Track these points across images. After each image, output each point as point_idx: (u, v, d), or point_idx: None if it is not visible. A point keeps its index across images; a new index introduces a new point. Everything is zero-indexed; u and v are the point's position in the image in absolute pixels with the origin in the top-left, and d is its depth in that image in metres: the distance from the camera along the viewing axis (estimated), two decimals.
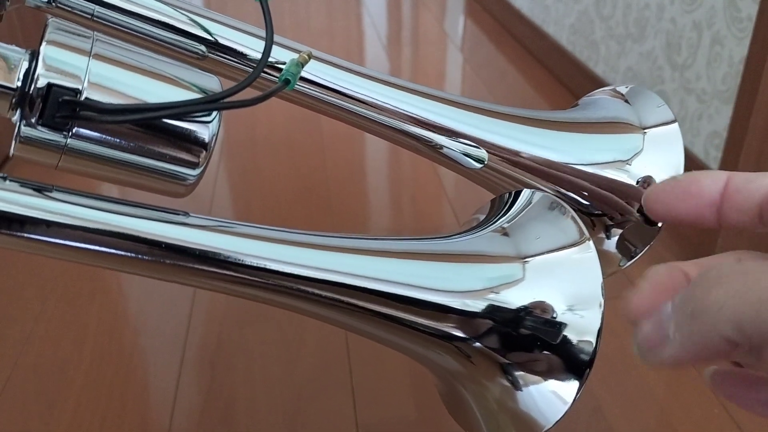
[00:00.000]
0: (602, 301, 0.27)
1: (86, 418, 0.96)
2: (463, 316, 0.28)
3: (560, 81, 2.04)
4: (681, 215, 0.25)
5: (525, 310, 0.27)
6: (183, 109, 0.25)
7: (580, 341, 0.26)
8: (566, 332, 0.27)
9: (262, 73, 0.33)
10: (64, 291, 1.21)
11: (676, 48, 1.46)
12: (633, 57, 1.64)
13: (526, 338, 0.27)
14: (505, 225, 0.30)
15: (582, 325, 0.27)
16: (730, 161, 1.21)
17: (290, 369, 1.05)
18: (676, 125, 0.37)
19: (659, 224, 0.36)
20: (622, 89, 0.39)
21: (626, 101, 0.38)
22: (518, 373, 0.27)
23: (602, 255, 0.29)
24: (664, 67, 1.50)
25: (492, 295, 0.28)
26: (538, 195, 0.31)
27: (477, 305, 0.27)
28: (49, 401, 0.98)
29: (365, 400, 0.99)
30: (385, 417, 0.97)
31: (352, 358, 1.06)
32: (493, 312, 0.27)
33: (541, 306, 0.27)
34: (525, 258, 0.28)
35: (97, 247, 0.25)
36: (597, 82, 1.80)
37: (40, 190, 0.25)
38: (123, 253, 0.25)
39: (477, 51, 2.44)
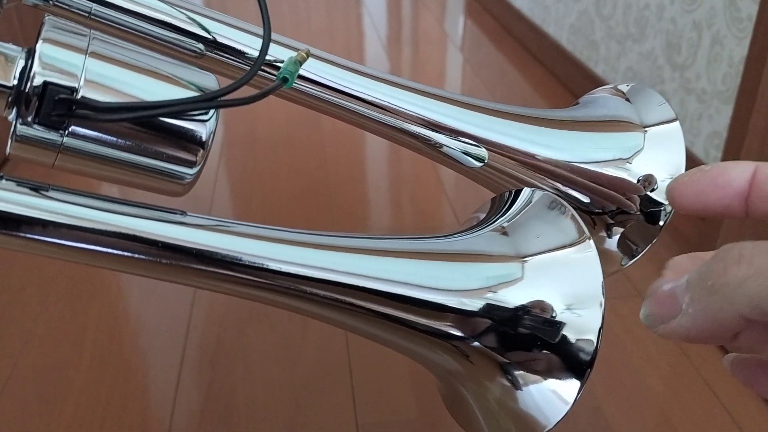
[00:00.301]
0: (603, 300, 0.26)
1: (86, 418, 0.96)
2: (460, 315, 0.27)
3: (560, 81, 2.04)
4: (710, 206, 0.25)
5: (523, 309, 0.27)
6: (179, 108, 0.25)
7: (580, 340, 0.26)
8: (566, 331, 0.26)
9: (261, 72, 0.33)
10: (64, 291, 1.21)
11: (676, 48, 1.46)
12: (633, 57, 1.64)
13: (525, 337, 0.27)
14: (505, 224, 0.30)
15: (582, 324, 0.26)
16: (730, 161, 1.21)
17: (290, 369, 1.05)
18: (677, 124, 0.37)
19: (661, 223, 0.36)
20: (623, 87, 0.39)
21: (627, 99, 0.38)
22: (518, 373, 0.27)
23: (603, 254, 0.28)
24: (664, 67, 1.50)
25: (490, 294, 0.27)
26: (538, 194, 0.31)
27: (474, 304, 0.27)
28: (49, 401, 0.98)
29: (365, 400, 0.99)
30: (385, 417, 0.97)
31: (352, 358, 1.06)
32: (491, 311, 0.27)
33: (540, 305, 0.27)
34: (524, 257, 0.28)
35: (93, 247, 0.25)
36: (597, 82, 1.80)
37: (37, 189, 0.24)
38: (119, 252, 0.25)
39: (477, 51, 2.44)
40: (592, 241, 0.28)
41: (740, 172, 0.24)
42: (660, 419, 0.98)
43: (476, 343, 0.28)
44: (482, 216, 0.33)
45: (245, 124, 1.81)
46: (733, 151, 1.20)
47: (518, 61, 2.25)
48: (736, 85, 1.22)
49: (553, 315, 0.27)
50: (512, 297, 0.27)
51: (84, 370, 1.04)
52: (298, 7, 2.89)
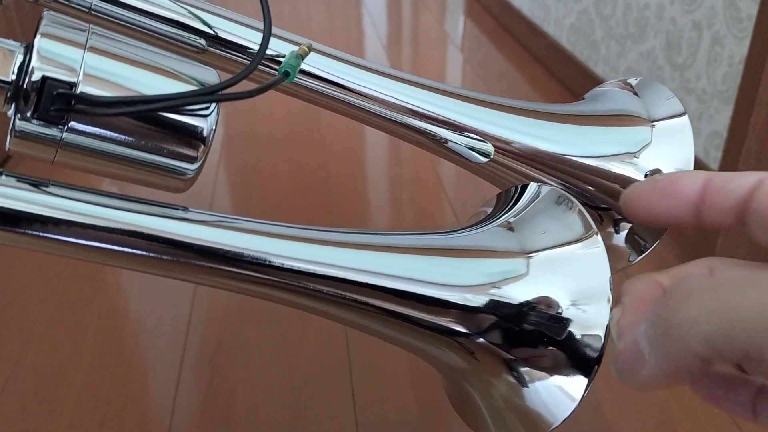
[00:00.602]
0: (610, 296, 0.26)
1: (86, 418, 0.96)
2: (463, 311, 0.27)
3: (560, 81, 2.04)
4: (660, 216, 0.25)
5: (528, 305, 0.27)
6: (179, 102, 0.25)
7: (587, 337, 0.26)
8: (573, 328, 0.26)
9: (263, 66, 0.32)
10: (64, 291, 1.21)
11: (676, 48, 1.46)
12: (633, 57, 1.64)
13: (531, 334, 0.27)
14: (511, 219, 0.30)
15: (589, 320, 0.26)
16: (730, 161, 1.21)
17: (290, 369, 1.05)
18: (685, 118, 0.36)
19: None
20: (632, 81, 0.39)
21: (635, 93, 0.38)
22: (524, 369, 0.27)
23: (611, 250, 0.28)
24: (664, 67, 1.50)
25: (494, 290, 0.27)
26: (544, 189, 0.31)
27: (478, 300, 0.27)
28: (49, 401, 0.98)
29: (365, 400, 0.99)
30: (386, 417, 0.97)
31: (352, 358, 1.06)
32: (495, 307, 0.27)
33: (546, 301, 0.27)
34: (529, 253, 0.28)
35: (94, 243, 0.24)
36: (597, 82, 1.79)
37: (37, 185, 0.24)
38: (121, 248, 0.25)
39: (477, 51, 2.44)
40: (599, 237, 0.28)
41: (692, 182, 0.24)
42: (660, 419, 0.98)
43: (481, 340, 0.27)
44: (489, 210, 0.32)
45: (245, 122, 1.81)
46: (733, 151, 1.20)
47: (518, 60, 2.25)
48: (736, 85, 1.22)
49: (559, 311, 0.27)
50: (517, 293, 0.27)
51: (84, 370, 1.04)
52: (298, 7, 2.89)
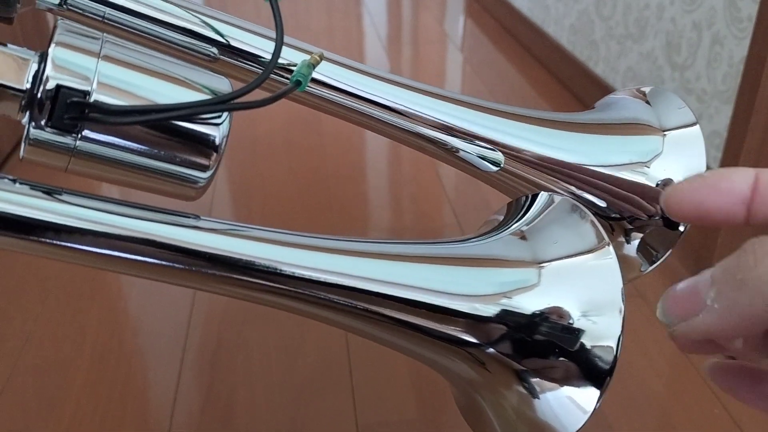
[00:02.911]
0: (622, 307, 0.26)
1: (86, 418, 0.96)
2: (473, 321, 0.27)
3: (560, 81, 2.04)
4: (710, 213, 0.24)
5: (540, 316, 0.27)
6: (192, 110, 0.25)
7: (599, 348, 0.26)
8: (584, 339, 0.26)
9: (274, 75, 0.32)
10: (64, 291, 1.21)
11: (676, 48, 1.46)
12: (633, 57, 1.64)
13: (542, 344, 0.26)
14: (524, 228, 0.30)
15: (601, 331, 0.26)
16: (730, 161, 1.21)
17: (290, 369, 1.05)
18: (697, 127, 0.36)
19: (681, 228, 0.35)
20: (645, 89, 0.39)
21: (647, 102, 0.38)
22: (535, 380, 0.27)
23: (622, 260, 0.28)
24: (664, 67, 1.50)
25: (504, 300, 0.27)
26: (556, 198, 0.31)
27: (488, 310, 0.27)
28: (49, 401, 0.98)
29: (365, 401, 0.99)
30: (386, 417, 0.97)
31: (352, 358, 1.06)
32: (506, 317, 0.27)
33: (558, 311, 0.27)
34: (541, 263, 0.28)
35: (106, 251, 0.24)
36: (597, 82, 1.80)
37: (50, 192, 0.24)
38: (132, 257, 0.25)
39: (477, 51, 2.44)
40: (611, 247, 0.27)
41: (742, 177, 0.24)
42: (660, 419, 0.98)
43: (492, 350, 0.27)
44: (500, 218, 0.32)
45: (245, 126, 1.81)
46: (733, 151, 1.20)
47: (518, 61, 2.25)
48: (736, 85, 1.22)
49: (571, 322, 0.26)
50: (528, 303, 0.27)
51: (84, 370, 1.04)
52: (298, 7, 2.89)
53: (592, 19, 1.85)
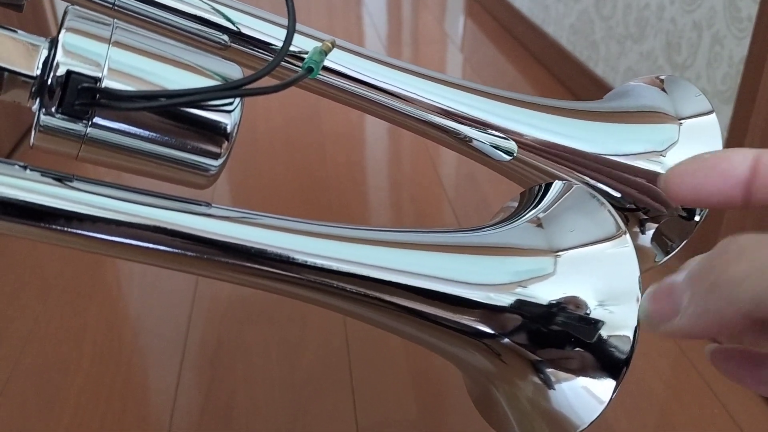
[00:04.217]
0: (639, 296, 0.25)
1: (86, 418, 0.96)
2: (488, 311, 0.27)
3: (560, 81, 2.04)
4: (708, 196, 0.23)
5: (556, 306, 0.26)
6: (203, 96, 0.25)
7: (615, 338, 0.25)
8: (601, 329, 0.26)
9: (286, 63, 0.32)
10: (64, 291, 1.20)
11: (676, 48, 1.46)
12: (633, 57, 1.64)
13: (558, 334, 0.26)
14: (540, 215, 0.29)
15: (618, 321, 0.26)
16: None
17: (290, 369, 1.05)
18: (713, 116, 0.35)
19: (697, 218, 0.35)
20: (662, 77, 0.38)
21: (663, 90, 0.37)
22: (550, 371, 0.26)
23: (637, 250, 0.28)
24: (664, 67, 1.50)
25: (519, 290, 0.27)
26: (572, 187, 0.30)
27: (503, 299, 0.27)
28: (49, 401, 0.98)
29: (365, 401, 0.99)
30: (386, 417, 0.97)
31: (352, 358, 1.06)
32: (521, 307, 0.26)
33: (574, 301, 0.26)
34: (557, 251, 0.27)
35: (116, 238, 0.24)
36: (597, 82, 1.80)
37: (61, 179, 0.24)
38: (142, 244, 0.24)
39: (477, 51, 2.44)
40: (628, 236, 0.27)
41: (742, 158, 0.23)
42: (660, 419, 0.98)
43: (507, 341, 0.27)
44: (515, 206, 0.32)
45: (245, 123, 1.80)
46: None
47: (518, 61, 2.25)
48: (736, 85, 1.22)
49: (587, 312, 0.26)
50: (544, 292, 0.27)
51: (84, 370, 1.04)
52: (299, 7, 2.87)
53: (592, 19, 1.85)
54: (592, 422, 0.26)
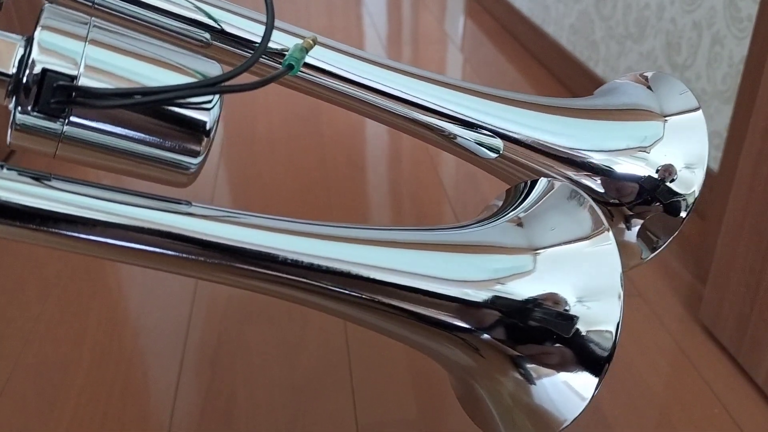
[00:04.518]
0: (621, 293, 0.26)
1: (86, 418, 0.96)
2: (464, 306, 0.27)
3: (560, 81, 2.04)
4: None
5: (534, 302, 0.27)
6: (180, 93, 0.24)
7: (597, 334, 0.26)
8: (581, 325, 0.26)
9: (267, 60, 0.32)
10: (64, 291, 1.21)
11: (676, 48, 1.46)
12: (633, 57, 1.64)
13: (536, 330, 0.26)
14: (521, 215, 0.30)
15: (599, 317, 0.26)
16: (730, 161, 1.21)
17: (290, 369, 1.05)
18: (699, 113, 0.35)
19: (683, 214, 0.35)
20: (648, 74, 0.38)
21: (649, 87, 0.37)
22: (530, 366, 0.27)
23: (622, 247, 0.28)
24: (664, 67, 1.50)
25: (498, 286, 0.27)
26: (555, 184, 0.31)
27: (479, 295, 0.27)
28: (49, 401, 0.98)
29: (365, 401, 0.99)
30: (386, 417, 0.97)
31: (352, 358, 1.06)
32: (499, 303, 0.27)
33: (553, 298, 0.27)
34: (537, 249, 0.28)
35: (94, 237, 0.24)
36: (597, 82, 1.80)
37: (39, 178, 0.24)
38: (121, 243, 0.24)
39: (477, 51, 2.44)
40: (610, 233, 0.27)
41: None
42: (660, 419, 0.98)
43: (485, 336, 0.27)
44: (500, 204, 0.32)
45: (245, 122, 1.81)
46: (733, 151, 1.20)
47: (518, 61, 2.25)
48: (736, 85, 1.22)
49: (567, 308, 0.26)
50: (522, 289, 0.27)
51: (84, 370, 1.04)
52: (298, 7, 2.89)
53: (592, 19, 1.85)
54: (575, 419, 0.26)
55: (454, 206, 1.49)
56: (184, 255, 0.25)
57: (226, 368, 1.05)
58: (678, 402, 1.00)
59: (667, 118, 0.35)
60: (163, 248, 0.25)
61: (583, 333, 0.26)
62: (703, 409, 0.98)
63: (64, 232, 0.24)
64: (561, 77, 2.04)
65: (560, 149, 0.34)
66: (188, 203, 0.26)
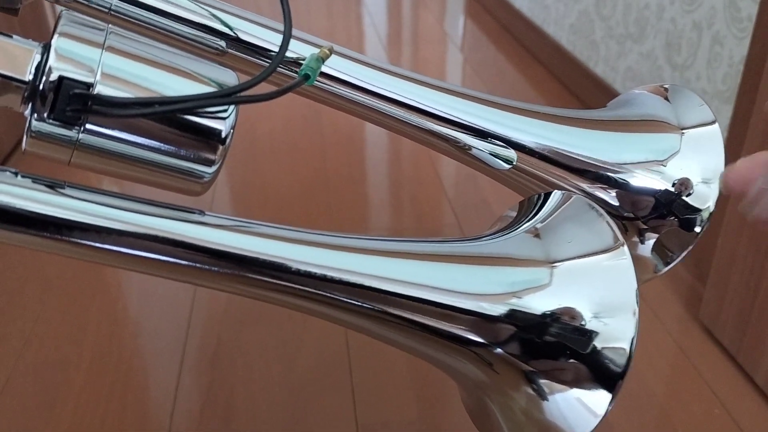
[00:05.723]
0: (636, 309, 0.25)
1: (86, 418, 0.96)
2: (480, 320, 0.26)
3: (560, 81, 2.04)
4: None
5: (551, 317, 0.26)
6: (197, 103, 0.24)
7: (611, 350, 0.25)
8: (597, 341, 0.25)
9: (283, 69, 0.32)
10: (64, 291, 1.20)
11: (676, 48, 1.46)
12: (633, 57, 1.64)
13: (552, 346, 0.26)
14: (538, 226, 0.29)
15: (614, 333, 0.25)
16: (730, 161, 1.21)
17: (290, 369, 1.05)
18: (716, 126, 0.35)
19: (697, 229, 0.34)
20: (666, 86, 0.37)
21: (666, 99, 0.37)
22: (544, 382, 0.26)
23: (636, 261, 0.27)
24: (664, 67, 1.50)
25: (514, 300, 0.27)
26: (570, 197, 0.30)
27: (495, 309, 0.26)
28: (49, 401, 0.98)
29: (365, 401, 0.99)
30: (386, 417, 0.97)
31: (352, 358, 1.06)
32: (515, 317, 0.26)
33: (570, 312, 0.26)
34: (554, 262, 0.27)
35: (106, 246, 0.24)
36: (597, 82, 1.80)
37: (53, 186, 0.24)
38: (133, 251, 0.24)
39: (477, 51, 2.44)
40: (626, 248, 0.27)
41: None
42: (660, 419, 0.98)
43: (499, 350, 0.27)
44: (514, 215, 0.32)
45: (245, 124, 1.81)
46: (733, 151, 1.20)
47: (518, 61, 2.25)
48: (736, 85, 1.22)
49: (583, 323, 0.26)
50: (538, 303, 0.26)
51: (84, 370, 1.04)
52: (298, 7, 2.88)
53: (592, 19, 1.85)
54: None
55: (454, 206, 1.48)
56: (198, 264, 0.25)
57: (225, 368, 1.05)
58: (678, 402, 1.00)
59: (684, 131, 0.35)
60: (176, 257, 0.25)
61: (598, 349, 0.25)
62: (703, 409, 0.98)
63: (79, 241, 0.24)
64: (561, 77, 2.04)
65: (574, 161, 0.34)
66: (201, 212, 0.26)
